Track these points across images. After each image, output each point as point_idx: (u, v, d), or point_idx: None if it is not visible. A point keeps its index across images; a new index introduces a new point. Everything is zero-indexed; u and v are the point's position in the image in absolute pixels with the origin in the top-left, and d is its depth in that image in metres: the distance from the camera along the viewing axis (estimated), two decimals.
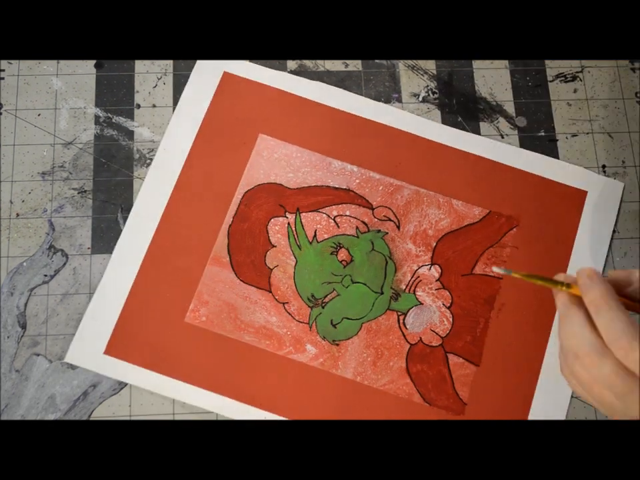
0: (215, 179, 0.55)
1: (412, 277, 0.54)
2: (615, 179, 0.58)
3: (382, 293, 0.54)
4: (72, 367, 0.51)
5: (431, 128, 0.58)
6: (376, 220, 0.55)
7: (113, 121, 0.58)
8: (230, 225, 0.54)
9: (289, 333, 0.53)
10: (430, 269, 0.54)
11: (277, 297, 0.53)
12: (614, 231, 0.57)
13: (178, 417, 0.51)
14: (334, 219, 0.55)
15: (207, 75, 0.58)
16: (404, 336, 0.53)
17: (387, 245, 0.55)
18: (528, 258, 0.55)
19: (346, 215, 0.55)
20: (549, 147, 0.59)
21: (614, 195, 0.57)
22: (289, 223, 0.55)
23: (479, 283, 0.53)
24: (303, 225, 0.55)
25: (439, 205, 0.56)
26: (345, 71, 0.60)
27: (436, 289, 0.54)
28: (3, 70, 0.58)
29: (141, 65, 0.59)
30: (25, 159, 0.56)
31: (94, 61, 0.59)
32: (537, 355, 0.53)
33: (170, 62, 0.59)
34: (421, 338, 0.53)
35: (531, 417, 0.51)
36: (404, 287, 0.54)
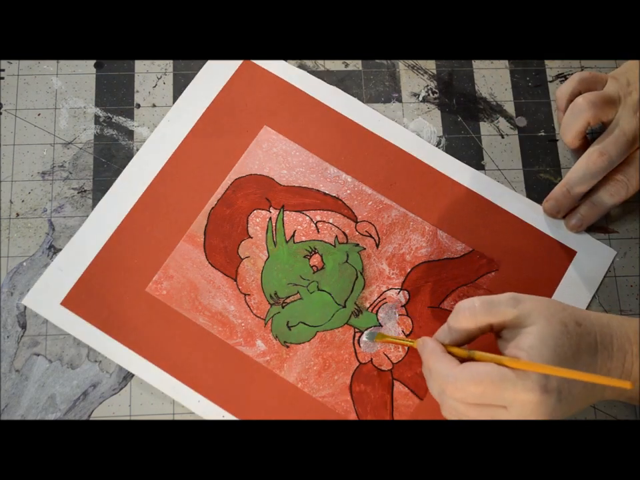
0: (209, 159, 0.56)
1: (378, 297, 0.54)
2: None
3: (344, 307, 0.53)
4: (72, 366, 0.51)
5: (434, 154, 0.57)
6: (357, 234, 0.55)
7: (113, 120, 0.58)
8: (213, 207, 0.55)
9: (243, 324, 0.53)
10: (399, 293, 0.54)
11: (240, 287, 0.53)
12: (597, 291, 0.55)
13: (178, 417, 0.51)
14: (315, 224, 0.55)
15: (221, 67, 0.59)
16: (355, 353, 0.52)
17: (361, 260, 0.55)
18: None
19: (328, 222, 0.55)
20: (549, 147, 0.59)
21: (604, 260, 0.56)
22: (270, 218, 0.55)
23: (444, 318, 0.50)
24: (284, 223, 0.55)
25: (423, 233, 0.55)
26: (345, 70, 0.60)
27: (399, 315, 0.54)
28: (3, 70, 0.58)
29: (141, 65, 0.59)
30: (24, 159, 0.56)
31: (94, 61, 0.59)
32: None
33: (170, 62, 0.59)
34: (372, 359, 0.52)
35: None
36: (368, 305, 0.54)
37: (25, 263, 0.54)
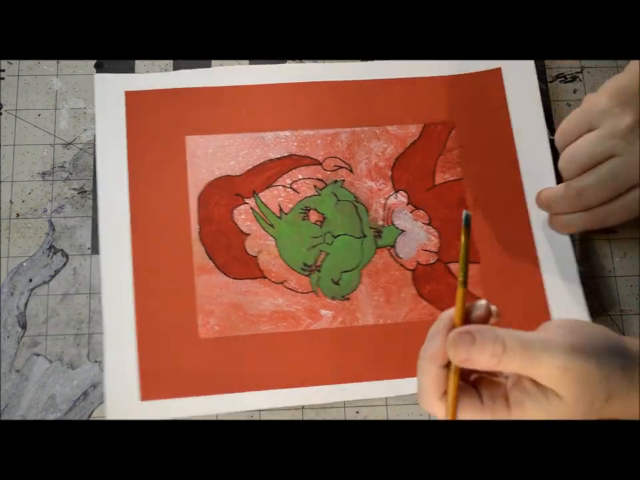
0: (162, 195, 0.55)
1: (384, 210, 0.56)
2: None
3: (365, 236, 0.55)
4: (72, 366, 0.51)
5: (339, 69, 0.59)
6: (329, 172, 0.56)
7: None
8: (199, 232, 0.54)
9: (299, 307, 0.53)
10: (396, 196, 0.56)
11: (273, 280, 0.54)
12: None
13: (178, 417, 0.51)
14: (291, 187, 0.56)
15: (110, 101, 0.56)
16: (402, 266, 0.55)
17: (348, 191, 0.56)
18: (478, 148, 0.57)
19: (300, 179, 0.56)
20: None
21: (526, 67, 0.59)
22: (251, 208, 0.55)
23: (445, 190, 0.56)
24: (265, 204, 0.55)
25: (377, 137, 0.57)
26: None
27: (410, 212, 0.56)
28: (3, 70, 0.58)
29: (141, 65, 0.59)
30: (24, 159, 0.56)
31: (94, 61, 0.59)
32: (523, 227, 0.55)
33: (170, 62, 0.59)
34: (417, 261, 0.55)
35: (544, 277, 0.54)
36: (381, 223, 0.56)
37: (25, 263, 0.54)
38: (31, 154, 0.56)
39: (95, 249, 0.54)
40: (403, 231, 0.55)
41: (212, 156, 0.56)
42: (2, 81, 0.58)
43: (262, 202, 0.55)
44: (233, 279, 0.53)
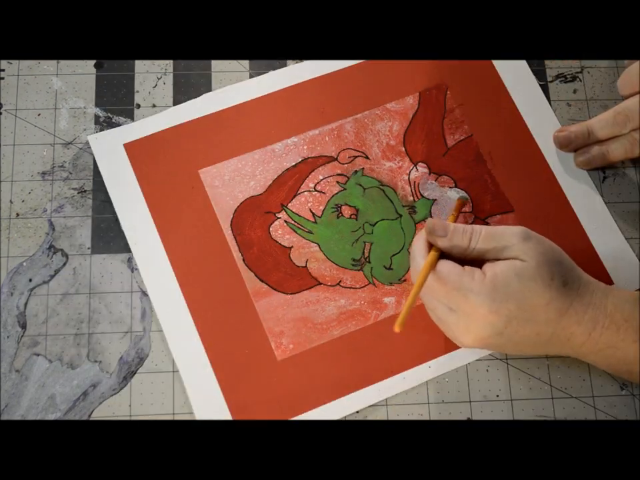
0: (195, 234, 0.54)
1: (410, 186, 0.57)
2: (614, 179, 0.58)
3: (401, 216, 0.56)
4: (72, 366, 0.51)
5: (322, 63, 0.59)
6: (346, 165, 0.57)
7: (113, 120, 0.58)
8: (243, 259, 0.54)
9: (363, 302, 0.54)
10: (417, 169, 0.57)
11: (329, 284, 0.54)
12: None
13: (178, 417, 0.51)
14: (315, 189, 0.56)
15: (112, 159, 0.56)
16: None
17: (371, 177, 0.57)
18: (477, 103, 0.59)
19: (322, 180, 0.56)
20: None
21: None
22: (285, 221, 0.55)
23: (459, 151, 0.57)
24: (297, 213, 0.56)
25: (380, 117, 0.58)
26: None
27: (435, 180, 0.57)
28: (3, 70, 0.58)
29: (141, 65, 0.59)
30: (24, 159, 0.56)
31: (94, 61, 0.59)
32: (543, 169, 0.57)
33: (170, 62, 0.59)
34: (456, 215, 0.56)
35: (577, 214, 0.56)
36: (412, 198, 0.56)
37: (25, 263, 0.54)
38: (30, 154, 0.56)
39: (94, 248, 0.54)
40: (434, 200, 0.56)
41: (230, 182, 0.56)
42: (2, 80, 0.58)
43: (293, 212, 0.55)
44: (291, 294, 0.53)
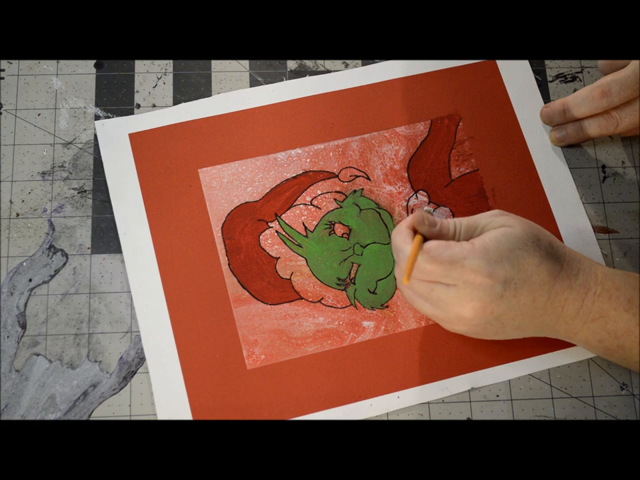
0: (185, 232, 0.54)
1: (407, 213, 0.56)
2: (614, 179, 0.58)
3: None
4: (72, 366, 0.51)
5: (337, 78, 0.59)
6: (346, 183, 0.56)
7: None
8: (229, 263, 0.54)
9: (341, 322, 0.53)
10: (417, 197, 0.56)
11: (310, 300, 0.53)
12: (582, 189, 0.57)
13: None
14: (312, 204, 0.56)
15: (116, 146, 0.56)
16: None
17: (369, 199, 0.56)
18: (487, 138, 0.58)
19: (319, 195, 0.56)
20: None
21: (521, 63, 0.60)
22: (277, 231, 0.55)
23: (462, 184, 0.56)
24: (290, 225, 0.55)
25: (388, 140, 0.58)
26: (345, 71, 0.60)
27: (433, 210, 0.56)
28: (3, 70, 0.58)
29: (141, 65, 0.59)
30: (24, 159, 0.56)
31: (94, 61, 0.59)
32: (544, 212, 0.56)
33: (170, 62, 0.59)
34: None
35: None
36: None
37: (24, 263, 0.54)
38: (30, 154, 0.56)
39: (94, 248, 0.54)
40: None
41: (228, 185, 0.56)
42: (2, 80, 0.58)
43: (286, 223, 0.55)
44: (271, 304, 0.53)
